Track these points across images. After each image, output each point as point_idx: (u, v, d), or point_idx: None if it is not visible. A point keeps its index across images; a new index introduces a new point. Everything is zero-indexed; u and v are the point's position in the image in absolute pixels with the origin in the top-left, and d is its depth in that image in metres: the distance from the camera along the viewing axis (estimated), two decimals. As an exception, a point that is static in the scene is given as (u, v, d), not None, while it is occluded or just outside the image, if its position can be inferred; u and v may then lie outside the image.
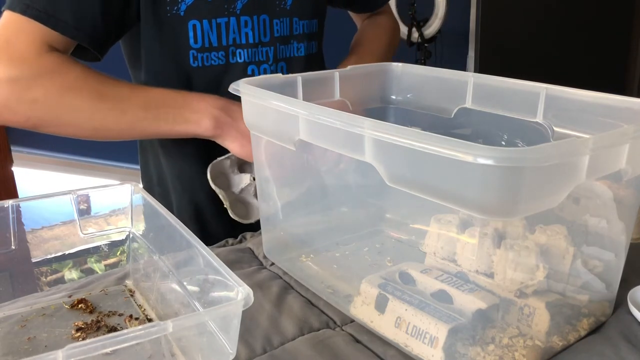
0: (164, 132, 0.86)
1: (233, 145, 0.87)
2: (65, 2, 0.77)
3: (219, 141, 0.88)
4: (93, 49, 0.83)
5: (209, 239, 1.00)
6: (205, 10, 0.89)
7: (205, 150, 0.94)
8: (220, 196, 0.92)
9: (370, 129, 0.53)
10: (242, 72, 0.94)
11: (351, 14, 1.25)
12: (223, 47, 0.92)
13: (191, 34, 0.89)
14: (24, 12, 0.75)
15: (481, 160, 0.43)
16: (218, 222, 1.00)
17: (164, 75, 0.93)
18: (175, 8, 0.88)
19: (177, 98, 0.86)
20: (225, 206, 0.92)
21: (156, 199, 0.67)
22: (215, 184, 0.91)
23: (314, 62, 1.05)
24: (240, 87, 0.70)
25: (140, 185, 0.73)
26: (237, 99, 0.72)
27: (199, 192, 0.99)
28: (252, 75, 0.95)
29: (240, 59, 0.93)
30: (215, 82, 0.93)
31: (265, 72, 0.96)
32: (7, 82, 0.75)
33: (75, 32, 0.79)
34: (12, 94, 0.76)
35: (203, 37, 0.90)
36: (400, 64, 0.87)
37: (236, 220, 0.93)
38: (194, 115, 0.85)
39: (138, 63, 0.96)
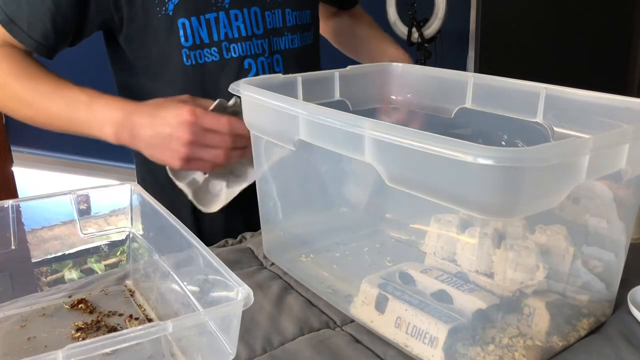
0: (76, 133, 0.89)
1: (146, 152, 0.85)
2: (23, 11, 0.86)
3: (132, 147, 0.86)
4: (40, 54, 0.90)
5: (205, 232, 1.00)
6: (193, 7, 0.89)
7: None
8: (183, 190, 0.90)
9: (370, 129, 0.53)
10: (238, 67, 0.93)
11: (321, 6, 1.21)
12: (215, 42, 0.92)
13: (181, 32, 0.89)
14: None
15: (481, 161, 0.43)
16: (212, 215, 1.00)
17: (159, 77, 0.93)
18: (164, 8, 0.88)
19: (82, 107, 0.86)
20: (189, 198, 0.90)
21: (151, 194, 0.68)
22: (176, 177, 0.90)
23: (310, 53, 1.04)
24: (240, 87, 0.70)
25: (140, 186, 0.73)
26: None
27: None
28: (249, 69, 0.94)
29: (235, 53, 0.93)
30: (213, 80, 0.93)
31: (262, 65, 0.95)
32: None
33: (26, 38, 0.87)
34: None
35: (193, 34, 0.90)
36: (400, 64, 0.87)
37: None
38: (97, 124, 0.85)
39: (126, 67, 0.96)
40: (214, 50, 0.92)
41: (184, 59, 0.91)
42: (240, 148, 0.82)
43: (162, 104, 0.83)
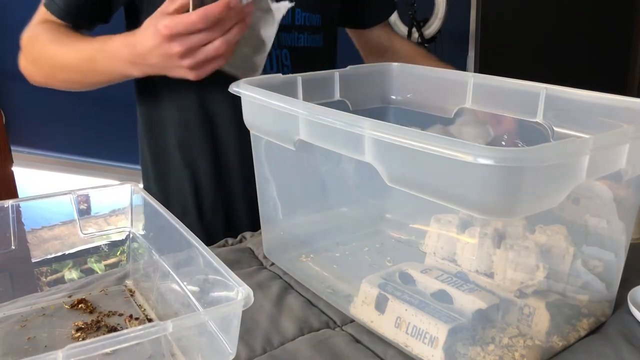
0: (109, 81, 0.91)
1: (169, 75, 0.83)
2: None
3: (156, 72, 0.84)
4: (79, 28, 0.94)
5: (208, 232, 1.01)
6: None
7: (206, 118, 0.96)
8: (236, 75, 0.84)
9: (370, 129, 0.53)
10: None
11: (353, 36, 1.20)
12: None
13: None
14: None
15: (481, 161, 0.43)
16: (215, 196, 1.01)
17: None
18: None
19: (95, 47, 0.88)
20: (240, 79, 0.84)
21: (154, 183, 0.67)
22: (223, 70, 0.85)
23: (320, 56, 1.03)
24: (240, 87, 0.70)
25: (141, 185, 0.73)
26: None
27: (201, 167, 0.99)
28: None
29: None
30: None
31: (269, 56, 0.93)
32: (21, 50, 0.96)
33: (63, 14, 0.92)
34: (22, 57, 0.96)
35: None
36: (399, 64, 0.87)
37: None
38: (118, 70, 0.86)
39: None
40: None
41: None
42: (235, 25, 0.77)
43: (141, 30, 0.81)
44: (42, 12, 0.94)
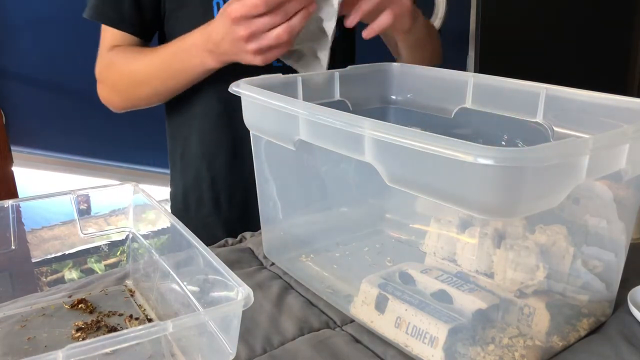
0: (188, 81, 0.93)
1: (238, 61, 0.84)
2: (109, 7, 0.95)
3: (232, 59, 0.85)
4: (141, 38, 0.98)
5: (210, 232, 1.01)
6: None
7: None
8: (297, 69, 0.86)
9: (370, 129, 0.53)
10: None
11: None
12: None
13: (215, 12, 0.90)
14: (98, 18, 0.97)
15: (481, 161, 0.43)
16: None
17: None
18: None
19: (172, 49, 0.90)
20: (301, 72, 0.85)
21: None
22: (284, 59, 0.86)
23: (337, 47, 1.00)
24: (241, 87, 0.70)
25: (140, 185, 0.73)
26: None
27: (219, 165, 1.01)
28: None
29: None
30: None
31: None
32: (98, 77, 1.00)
33: (118, 22, 0.95)
34: (101, 87, 1.00)
35: None
36: (399, 64, 0.87)
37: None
38: (193, 59, 0.87)
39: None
40: None
41: None
42: (298, 12, 0.78)
43: (215, 19, 0.83)
44: (106, 39, 0.97)
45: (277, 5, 0.75)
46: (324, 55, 0.86)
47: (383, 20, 0.83)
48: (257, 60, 0.81)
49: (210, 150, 1.01)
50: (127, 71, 0.95)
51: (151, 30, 0.99)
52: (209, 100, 0.98)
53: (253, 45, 0.78)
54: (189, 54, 0.88)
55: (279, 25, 0.77)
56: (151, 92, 0.96)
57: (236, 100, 0.94)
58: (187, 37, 0.88)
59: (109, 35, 0.97)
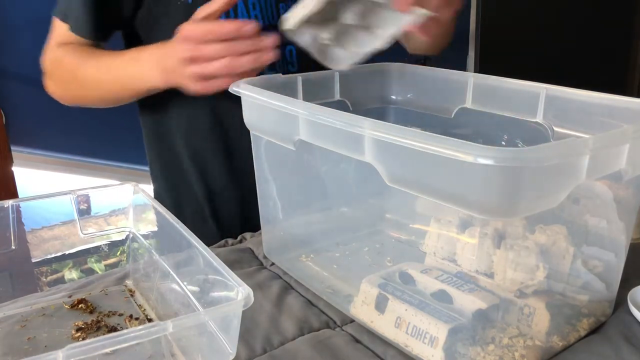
0: (135, 93, 0.92)
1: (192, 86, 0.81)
2: (72, 7, 0.92)
3: (177, 85, 0.82)
4: (98, 41, 0.95)
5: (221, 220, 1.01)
6: None
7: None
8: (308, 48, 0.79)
9: (371, 129, 0.53)
10: None
11: None
12: None
13: None
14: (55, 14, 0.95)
15: (481, 161, 0.43)
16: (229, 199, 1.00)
17: None
18: None
19: (126, 58, 0.89)
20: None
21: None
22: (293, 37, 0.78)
23: None
24: (240, 87, 0.70)
25: (141, 186, 0.73)
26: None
27: (216, 176, 0.99)
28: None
29: None
30: None
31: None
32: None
33: (79, 28, 0.92)
34: (48, 81, 0.97)
35: None
36: (399, 64, 0.87)
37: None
38: (140, 69, 0.86)
39: None
40: None
41: None
42: (248, 54, 0.75)
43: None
44: (59, 33, 0.94)
45: (228, 38, 0.74)
46: (355, 54, 0.80)
47: (445, 14, 0.77)
48: (198, 87, 0.78)
49: (205, 165, 0.99)
50: (77, 74, 0.93)
51: (110, 34, 0.96)
52: (200, 114, 0.96)
53: (194, 69, 0.76)
54: (142, 66, 0.86)
55: (224, 58, 0.75)
56: (98, 98, 0.96)
57: (228, 109, 0.92)
58: (144, 49, 0.87)
59: (63, 31, 0.94)
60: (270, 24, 0.92)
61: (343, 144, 0.58)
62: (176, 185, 1.02)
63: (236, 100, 0.74)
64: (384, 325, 0.60)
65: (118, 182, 0.73)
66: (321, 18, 0.78)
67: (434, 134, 0.47)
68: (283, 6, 0.94)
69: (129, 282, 0.73)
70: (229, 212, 1.01)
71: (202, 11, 0.77)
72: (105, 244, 0.74)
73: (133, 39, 0.96)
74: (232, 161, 0.99)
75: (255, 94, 0.67)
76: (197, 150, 0.98)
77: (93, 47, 0.95)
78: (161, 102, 0.97)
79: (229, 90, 0.71)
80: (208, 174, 0.99)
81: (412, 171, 0.51)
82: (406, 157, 0.51)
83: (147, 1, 0.89)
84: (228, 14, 0.89)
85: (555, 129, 0.69)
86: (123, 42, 0.99)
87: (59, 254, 0.73)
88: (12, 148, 2.24)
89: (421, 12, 0.73)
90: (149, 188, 1.06)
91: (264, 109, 0.68)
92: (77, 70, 0.92)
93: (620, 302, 0.64)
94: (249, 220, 1.01)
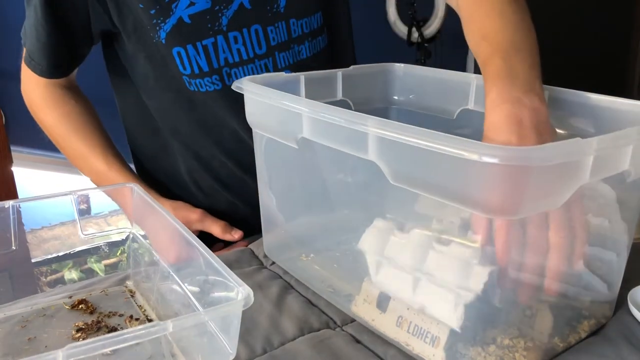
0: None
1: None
2: (34, 46, 0.90)
3: None
4: (61, 77, 0.95)
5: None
6: (187, 34, 0.82)
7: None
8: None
9: (374, 127, 0.52)
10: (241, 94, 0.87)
11: None
12: (215, 70, 0.84)
13: (177, 61, 0.83)
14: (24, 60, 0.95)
15: (486, 159, 0.43)
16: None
17: (164, 102, 0.90)
18: (157, 36, 0.82)
19: (102, 176, 0.96)
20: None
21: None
22: None
23: (322, 58, 0.96)
24: (243, 84, 0.70)
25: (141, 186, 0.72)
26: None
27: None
28: None
29: (237, 79, 0.79)
30: (216, 109, 0.88)
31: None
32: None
33: (44, 71, 0.92)
34: (29, 106, 1.01)
35: (191, 63, 0.83)
36: (402, 65, 0.87)
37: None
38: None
39: (129, 91, 0.94)
40: (215, 79, 0.85)
41: (187, 84, 0.86)
42: None
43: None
44: (32, 74, 0.94)
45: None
46: None
47: None
48: None
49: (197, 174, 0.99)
50: (64, 145, 0.98)
51: (77, 67, 0.96)
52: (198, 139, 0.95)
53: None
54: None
55: None
56: (61, 149, 1.01)
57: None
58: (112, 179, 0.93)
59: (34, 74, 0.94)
60: (257, 54, 0.87)
61: (346, 142, 0.58)
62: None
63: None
64: (385, 324, 0.60)
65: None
66: None
67: (439, 132, 0.47)
68: (272, 29, 0.88)
69: (129, 283, 0.72)
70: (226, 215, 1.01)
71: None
72: (106, 244, 0.74)
73: (113, 58, 0.94)
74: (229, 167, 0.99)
75: (258, 92, 0.67)
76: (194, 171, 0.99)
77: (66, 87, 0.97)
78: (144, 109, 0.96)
79: (232, 87, 0.71)
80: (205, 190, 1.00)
81: (416, 169, 0.51)
82: (410, 155, 0.50)
83: (121, 36, 0.86)
84: (207, 50, 0.85)
85: (557, 130, 0.68)
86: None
87: (59, 254, 0.73)
88: (12, 148, 2.24)
89: None
90: (149, 188, 1.06)
91: (267, 107, 0.68)
92: (64, 143, 0.97)
93: (621, 303, 0.64)
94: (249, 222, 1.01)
